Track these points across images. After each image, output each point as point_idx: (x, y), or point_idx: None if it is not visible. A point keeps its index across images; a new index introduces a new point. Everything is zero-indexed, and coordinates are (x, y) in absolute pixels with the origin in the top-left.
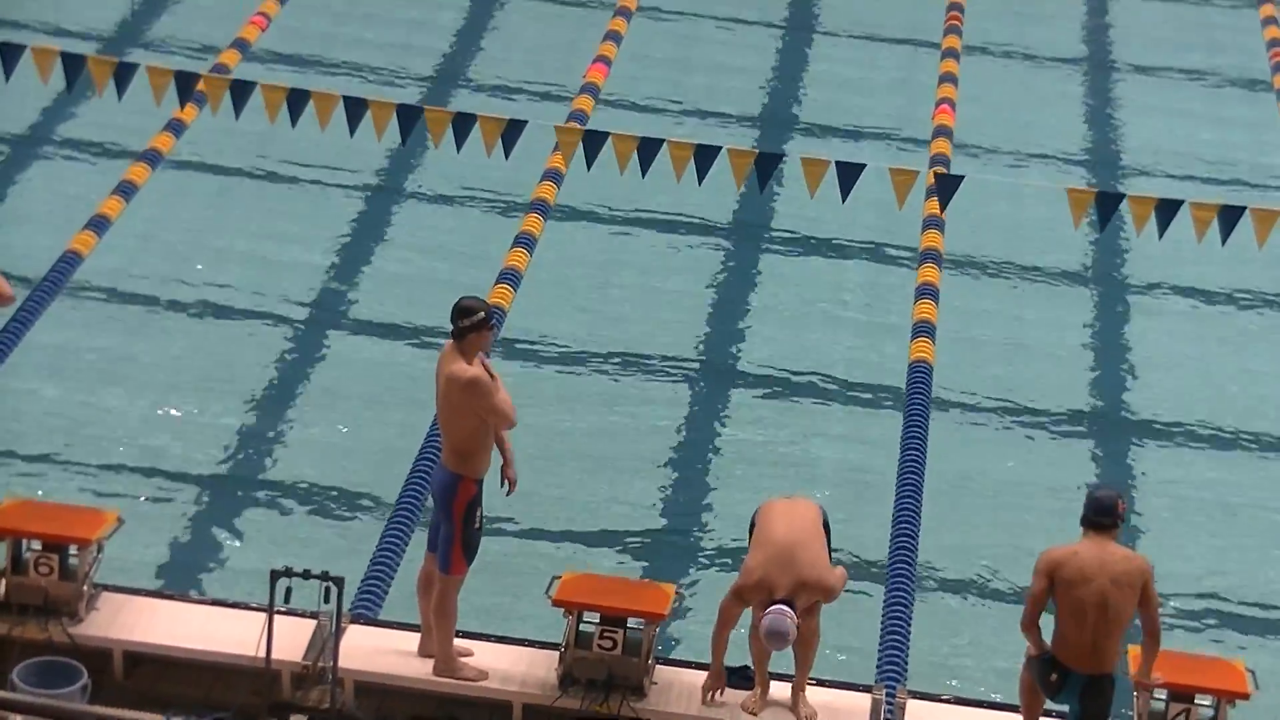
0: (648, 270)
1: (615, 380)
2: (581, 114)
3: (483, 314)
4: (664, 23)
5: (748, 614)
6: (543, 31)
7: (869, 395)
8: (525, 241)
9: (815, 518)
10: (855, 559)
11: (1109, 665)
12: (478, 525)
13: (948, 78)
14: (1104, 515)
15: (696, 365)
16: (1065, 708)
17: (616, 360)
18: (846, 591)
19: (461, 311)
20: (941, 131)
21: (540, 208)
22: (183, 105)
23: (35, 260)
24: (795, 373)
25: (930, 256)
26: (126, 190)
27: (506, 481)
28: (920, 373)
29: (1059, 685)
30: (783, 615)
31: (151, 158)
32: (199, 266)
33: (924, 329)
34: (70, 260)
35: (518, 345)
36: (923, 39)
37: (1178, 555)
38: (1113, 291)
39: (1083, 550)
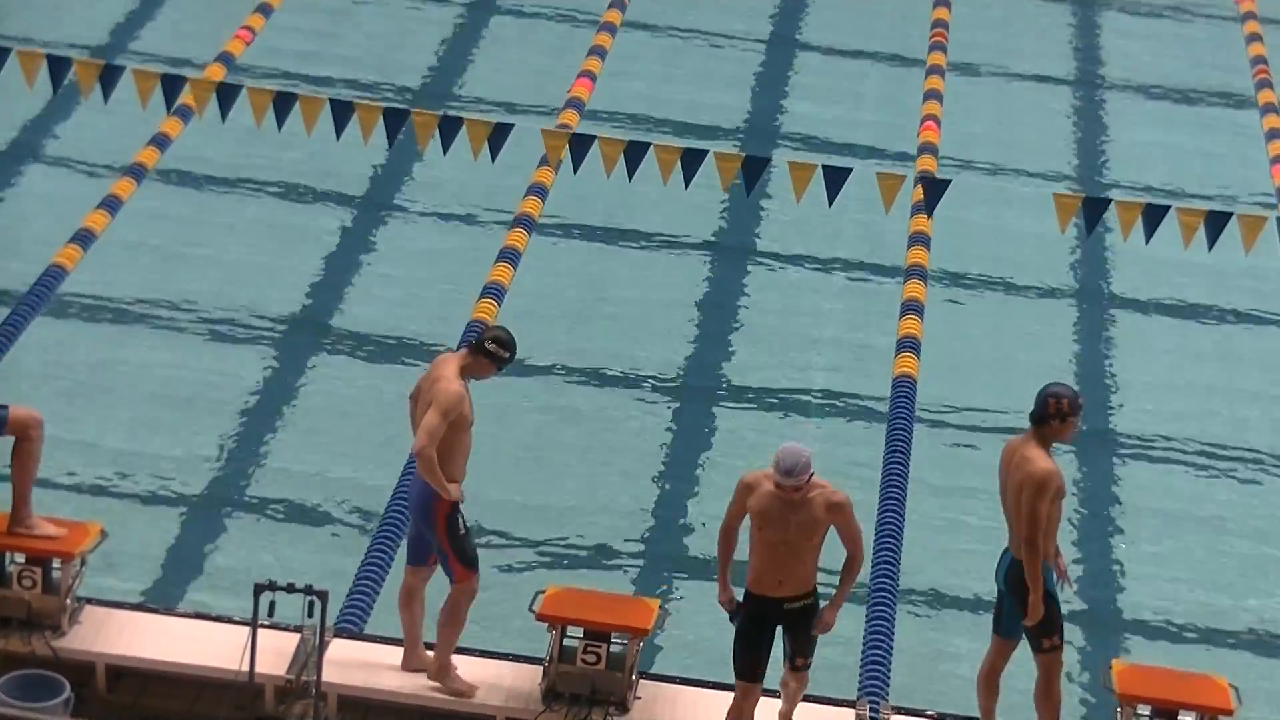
0: (630, 285)
1: (598, 395)
2: (566, 129)
3: (509, 356)
4: (648, 38)
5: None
6: (527, 47)
7: (853, 410)
8: (509, 256)
9: None
10: (838, 574)
11: (1019, 553)
12: (464, 531)
13: (933, 94)
14: (1034, 409)
15: (680, 380)
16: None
17: (599, 375)
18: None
19: (498, 341)
20: (926, 148)
21: (525, 223)
22: (169, 109)
23: (20, 273)
24: (779, 387)
25: (915, 272)
26: (111, 204)
27: None
28: (904, 388)
29: (998, 562)
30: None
31: (137, 172)
32: (182, 280)
33: (908, 344)
34: (55, 274)
35: None
36: (907, 56)
37: (1162, 570)
38: (1097, 307)
39: (1006, 447)
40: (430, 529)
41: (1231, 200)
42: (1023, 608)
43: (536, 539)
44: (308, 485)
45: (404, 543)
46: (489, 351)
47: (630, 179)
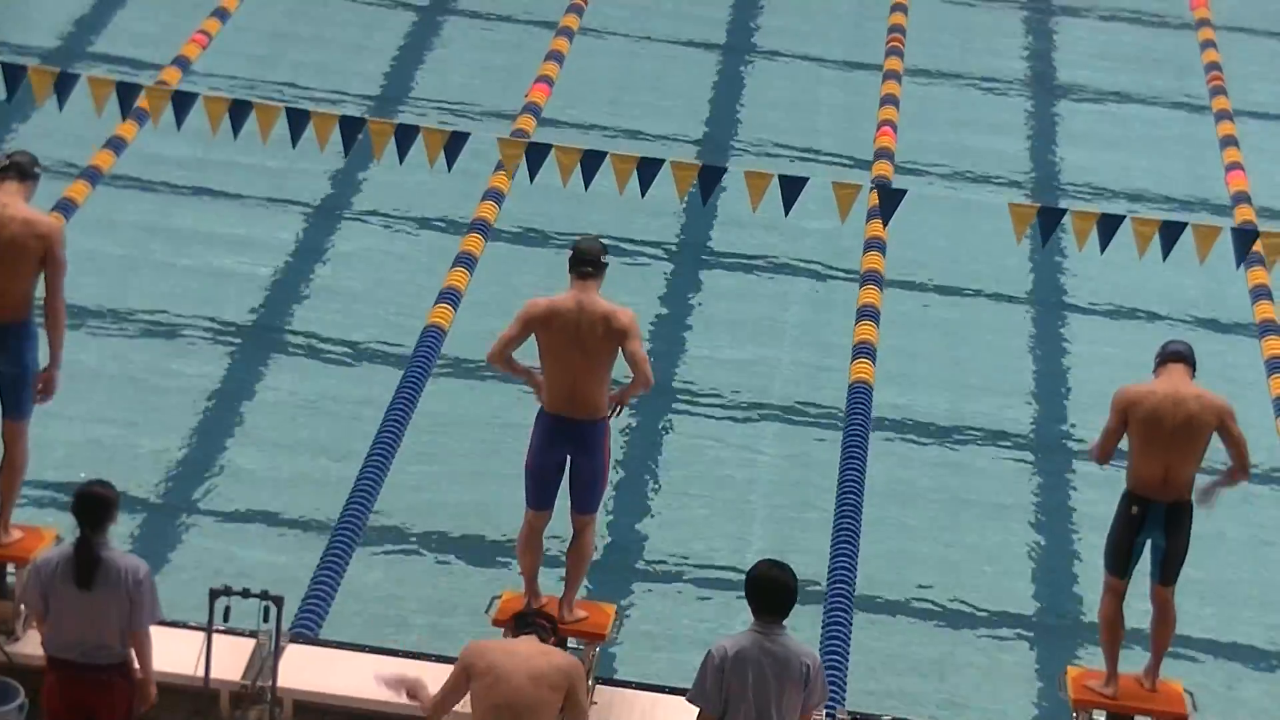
0: None
1: None
2: (523, 133)
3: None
4: (606, 43)
5: None
6: (484, 51)
7: (809, 416)
8: (465, 261)
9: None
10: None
11: (1186, 494)
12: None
13: (889, 100)
14: (1186, 354)
15: None
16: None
17: None
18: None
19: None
20: (883, 154)
21: (481, 227)
22: (124, 117)
23: None
24: (735, 393)
25: (871, 278)
26: (66, 208)
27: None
28: (860, 393)
29: (1141, 518)
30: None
31: (91, 175)
32: (136, 283)
33: (864, 350)
34: None
35: (461, 364)
36: (864, 61)
37: None
38: (1053, 313)
39: (1158, 387)
40: (598, 456)
41: (1186, 208)
42: (1182, 543)
43: (492, 544)
44: (263, 490)
45: (359, 547)
46: (606, 265)
47: (586, 188)
